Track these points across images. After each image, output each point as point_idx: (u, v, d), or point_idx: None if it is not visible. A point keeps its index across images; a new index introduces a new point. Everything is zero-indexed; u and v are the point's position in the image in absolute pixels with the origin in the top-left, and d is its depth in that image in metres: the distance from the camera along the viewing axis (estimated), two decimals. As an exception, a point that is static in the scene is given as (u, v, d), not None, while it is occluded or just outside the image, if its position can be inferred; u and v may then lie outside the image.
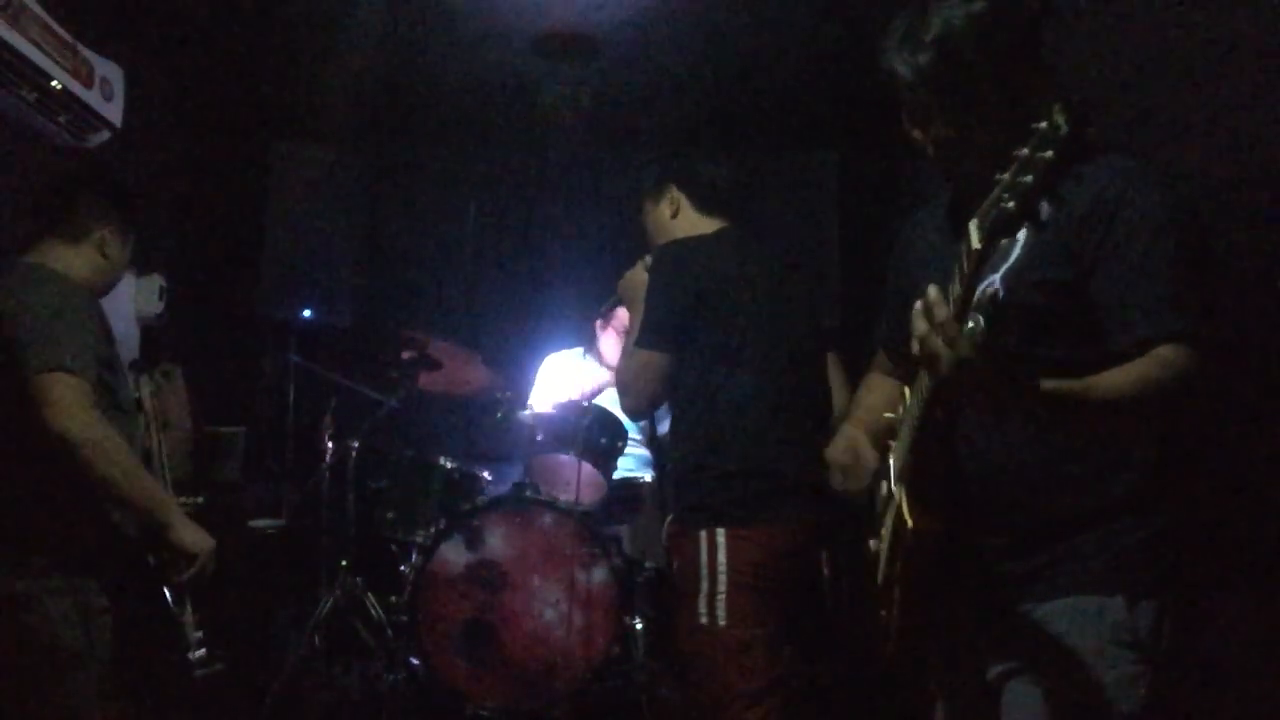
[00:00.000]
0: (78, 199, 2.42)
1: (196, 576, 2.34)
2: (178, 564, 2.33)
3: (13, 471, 2.21)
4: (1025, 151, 1.14)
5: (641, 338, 2.40)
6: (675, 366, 2.39)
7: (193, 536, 2.31)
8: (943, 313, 1.25)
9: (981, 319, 1.30)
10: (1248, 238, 2.13)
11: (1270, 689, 1.99)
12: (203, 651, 2.37)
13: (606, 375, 3.93)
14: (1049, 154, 1.11)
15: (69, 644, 2.17)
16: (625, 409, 2.65)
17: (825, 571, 3.39)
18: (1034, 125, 1.13)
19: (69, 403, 2.11)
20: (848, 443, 1.75)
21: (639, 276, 2.52)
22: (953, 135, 1.52)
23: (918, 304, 1.29)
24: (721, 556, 2.27)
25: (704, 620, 2.27)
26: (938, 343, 1.25)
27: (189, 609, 2.37)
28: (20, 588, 2.16)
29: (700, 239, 2.51)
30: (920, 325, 1.28)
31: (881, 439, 1.64)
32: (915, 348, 1.30)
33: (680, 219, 2.58)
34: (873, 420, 1.75)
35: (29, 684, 2.17)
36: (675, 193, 2.60)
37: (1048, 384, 1.31)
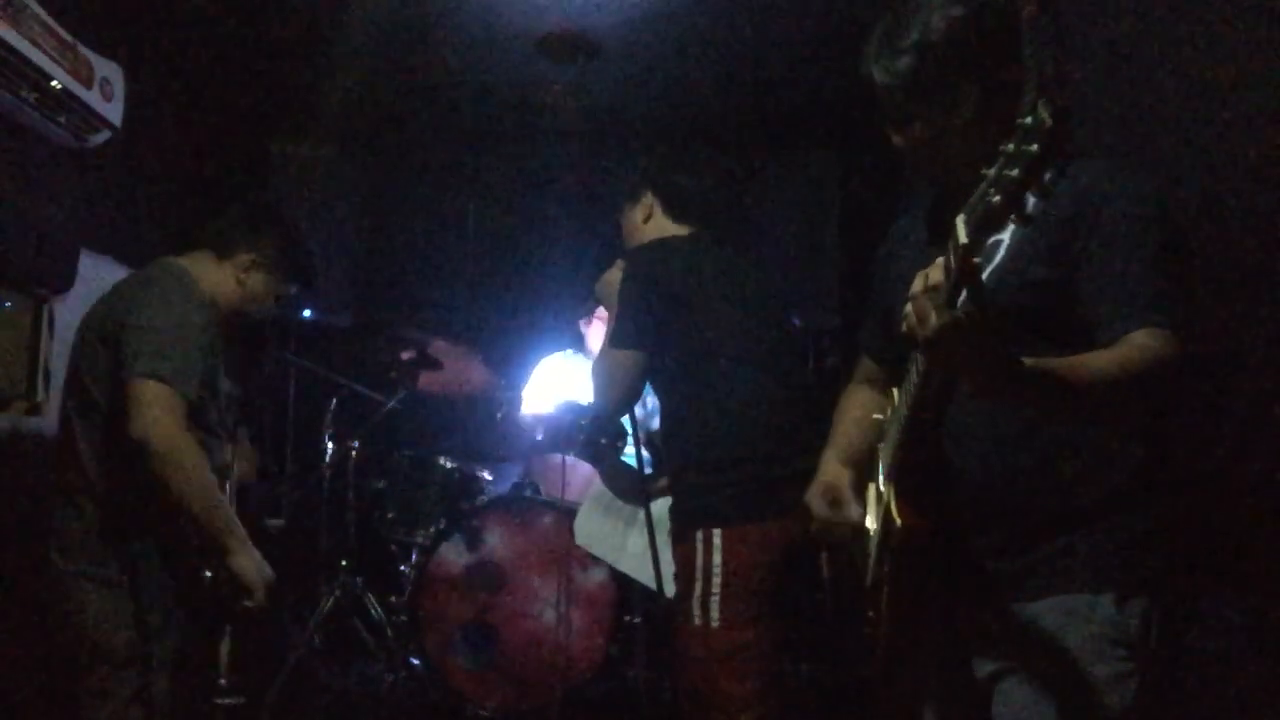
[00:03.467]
0: (239, 221, 2.51)
1: (258, 610, 2.26)
2: (235, 591, 2.26)
3: (109, 466, 2.24)
4: (1011, 146, 1.13)
5: (615, 338, 2.40)
6: (649, 363, 2.39)
7: (253, 567, 2.23)
8: (938, 277, 1.25)
9: (968, 293, 1.29)
10: (1246, 238, 2.12)
11: (1266, 688, 1.98)
12: (227, 681, 2.31)
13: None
14: (1034, 148, 1.11)
15: (100, 638, 2.16)
16: (599, 409, 2.64)
17: (825, 571, 3.38)
18: (1019, 121, 1.13)
19: (157, 412, 2.12)
20: (827, 483, 1.74)
21: (614, 278, 2.52)
22: (932, 138, 1.53)
23: (916, 277, 1.28)
24: (717, 558, 2.26)
25: (697, 622, 2.26)
26: (928, 304, 1.24)
27: (228, 636, 2.30)
28: (69, 569, 2.18)
29: (672, 240, 2.53)
30: (916, 285, 1.28)
31: (862, 469, 1.65)
32: (908, 312, 1.28)
33: (651, 224, 2.62)
34: (852, 444, 1.77)
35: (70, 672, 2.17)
36: (649, 198, 2.63)
37: (1032, 361, 1.31)
